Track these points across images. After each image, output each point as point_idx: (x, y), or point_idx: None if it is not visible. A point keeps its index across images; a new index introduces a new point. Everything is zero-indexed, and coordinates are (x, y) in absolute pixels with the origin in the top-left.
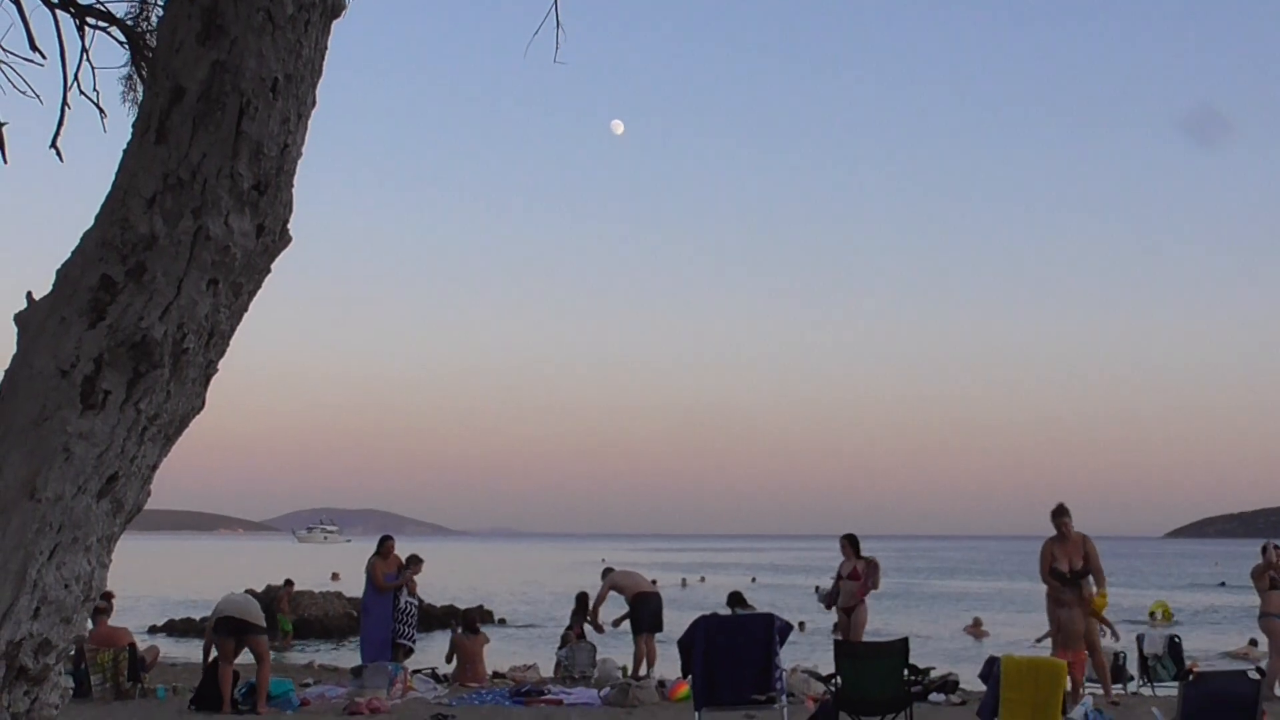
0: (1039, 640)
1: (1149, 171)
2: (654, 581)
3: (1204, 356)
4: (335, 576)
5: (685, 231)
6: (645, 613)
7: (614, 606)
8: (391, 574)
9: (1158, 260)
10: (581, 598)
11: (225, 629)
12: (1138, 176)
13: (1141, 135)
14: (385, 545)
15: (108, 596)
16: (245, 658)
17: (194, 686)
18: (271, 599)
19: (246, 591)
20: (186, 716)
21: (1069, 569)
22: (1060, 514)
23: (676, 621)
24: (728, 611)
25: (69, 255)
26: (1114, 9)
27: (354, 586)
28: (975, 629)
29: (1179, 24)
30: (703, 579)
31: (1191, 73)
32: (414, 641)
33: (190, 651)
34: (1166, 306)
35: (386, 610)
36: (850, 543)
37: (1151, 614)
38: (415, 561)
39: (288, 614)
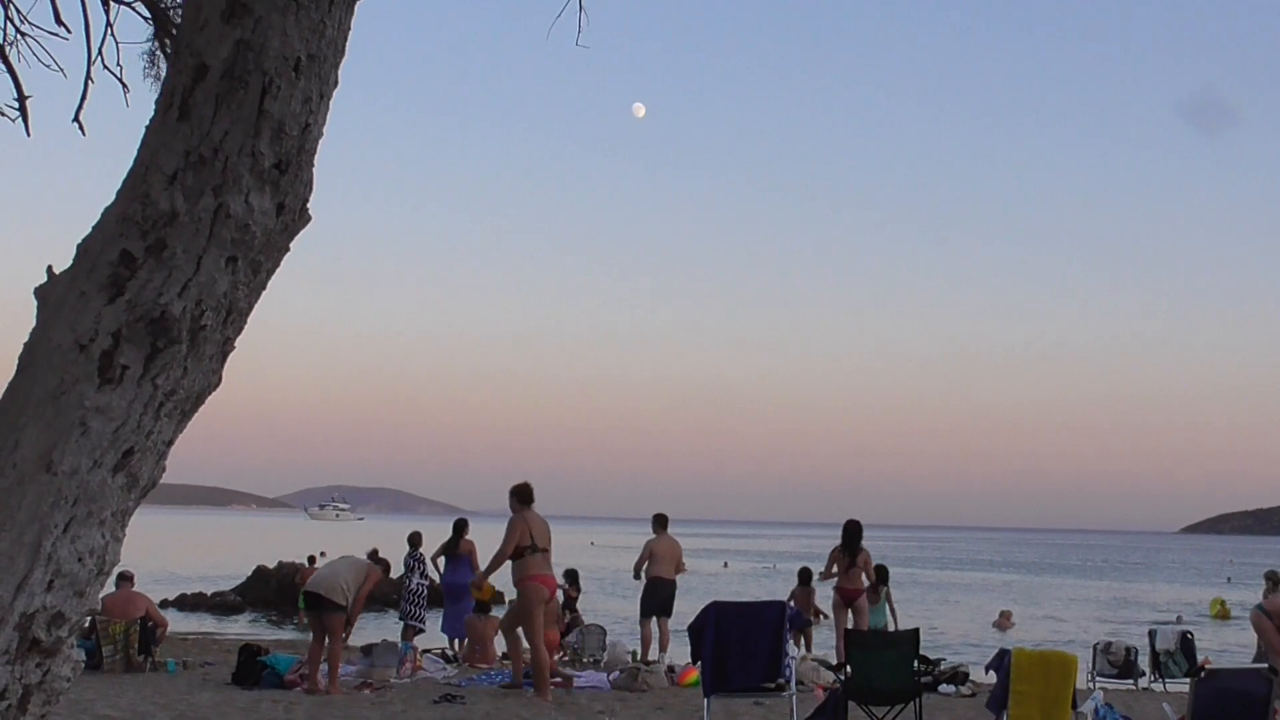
0: None
1: (1163, 160)
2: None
3: (1223, 351)
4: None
5: (704, 214)
6: (656, 596)
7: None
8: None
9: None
10: (570, 574)
11: (308, 604)
12: (1153, 165)
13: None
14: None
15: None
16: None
17: (205, 661)
18: (293, 575)
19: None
20: (219, 690)
21: None
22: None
23: (688, 607)
24: (741, 598)
25: (90, 230)
26: None
27: None
28: (1004, 621)
29: (1181, 8)
30: (725, 565)
31: (1194, 59)
32: (424, 622)
33: (201, 625)
34: (1184, 299)
35: None
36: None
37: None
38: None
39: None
